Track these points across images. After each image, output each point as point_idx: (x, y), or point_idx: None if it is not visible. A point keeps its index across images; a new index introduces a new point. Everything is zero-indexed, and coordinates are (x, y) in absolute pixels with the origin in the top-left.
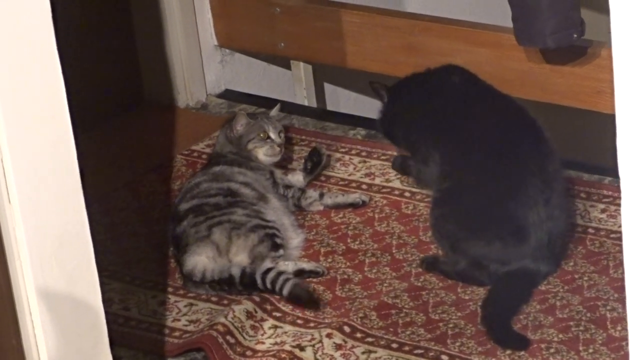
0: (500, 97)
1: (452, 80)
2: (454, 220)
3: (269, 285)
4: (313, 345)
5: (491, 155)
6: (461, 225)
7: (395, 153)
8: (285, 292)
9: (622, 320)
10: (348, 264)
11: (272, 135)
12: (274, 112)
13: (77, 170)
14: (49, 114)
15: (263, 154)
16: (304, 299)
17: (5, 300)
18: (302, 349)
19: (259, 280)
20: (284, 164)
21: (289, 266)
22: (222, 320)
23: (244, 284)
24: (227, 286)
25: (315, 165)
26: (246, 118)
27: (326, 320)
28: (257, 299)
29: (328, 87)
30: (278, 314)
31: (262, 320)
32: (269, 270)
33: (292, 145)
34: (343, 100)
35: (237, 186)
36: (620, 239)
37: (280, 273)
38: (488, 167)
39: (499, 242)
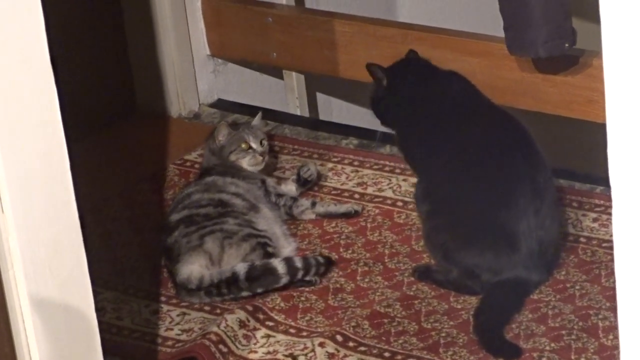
0: (491, 106)
1: (453, 88)
2: (446, 230)
3: (299, 265)
4: (306, 354)
5: (482, 165)
6: (453, 235)
7: (388, 162)
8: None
9: (613, 329)
10: (340, 273)
11: (254, 144)
12: (256, 120)
13: (70, 179)
14: (41, 122)
15: (246, 164)
16: (331, 260)
17: None
18: (294, 358)
19: (280, 266)
20: (275, 173)
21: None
22: (215, 329)
23: (252, 278)
24: (226, 288)
25: (308, 181)
26: (227, 129)
27: (319, 329)
28: (249, 308)
29: (320, 97)
30: (271, 323)
31: (255, 329)
32: (291, 257)
33: (284, 154)
34: (335, 109)
35: (228, 197)
36: (611, 248)
37: (306, 257)
38: (479, 177)
39: (491, 251)
